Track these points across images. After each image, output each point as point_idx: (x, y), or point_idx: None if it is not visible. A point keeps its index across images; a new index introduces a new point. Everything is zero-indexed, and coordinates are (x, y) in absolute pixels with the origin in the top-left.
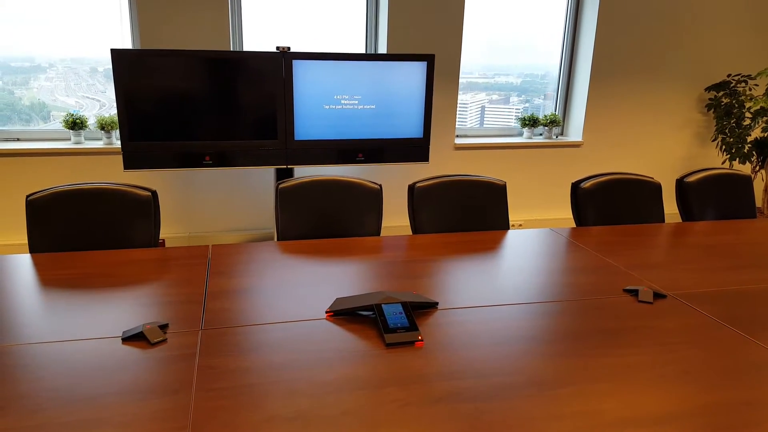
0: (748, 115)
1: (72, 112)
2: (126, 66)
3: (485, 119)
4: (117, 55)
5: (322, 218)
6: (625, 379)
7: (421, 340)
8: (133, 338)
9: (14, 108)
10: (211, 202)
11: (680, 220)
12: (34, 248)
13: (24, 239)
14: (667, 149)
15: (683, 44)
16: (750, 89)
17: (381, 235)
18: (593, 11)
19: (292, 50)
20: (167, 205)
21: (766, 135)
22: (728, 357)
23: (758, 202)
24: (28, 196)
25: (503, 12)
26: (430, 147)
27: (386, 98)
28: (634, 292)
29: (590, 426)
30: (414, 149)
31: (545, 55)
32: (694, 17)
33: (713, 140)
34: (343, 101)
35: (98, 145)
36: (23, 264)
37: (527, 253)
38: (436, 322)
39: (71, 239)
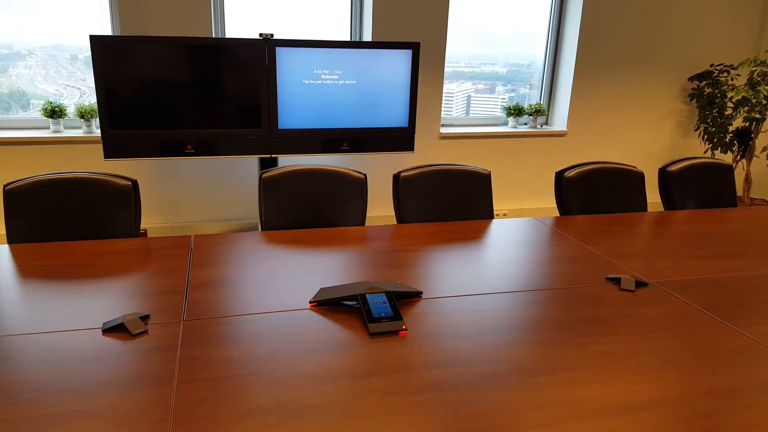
0: (729, 104)
1: (51, 101)
2: (106, 53)
3: (471, 108)
4: (96, 41)
5: (306, 208)
6: (607, 366)
7: (405, 330)
8: (114, 329)
9: None
10: (194, 192)
11: (662, 209)
12: (11, 239)
13: (1, 229)
14: (651, 139)
15: (667, 34)
16: (732, 79)
17: (366, 224)
18: (578, 1)
19: (275, 37)
20: (149, 195)
21: (747, 125)
22: (709, 344)
23: (739, 191)
24: (5, 186)
25: (489, 1)
26: (416, 136)
27: (371, 87)
28: (617, 281)
29: (572, 414)
30: (399, 138)
31: (531, 44)
32: (678, 7)
33: (695, 130)
34: (323, 76)
35: (78, 133)
36: (0, 254)
37: (511, 243)
38: (420, 312)
39: (50, 229)
